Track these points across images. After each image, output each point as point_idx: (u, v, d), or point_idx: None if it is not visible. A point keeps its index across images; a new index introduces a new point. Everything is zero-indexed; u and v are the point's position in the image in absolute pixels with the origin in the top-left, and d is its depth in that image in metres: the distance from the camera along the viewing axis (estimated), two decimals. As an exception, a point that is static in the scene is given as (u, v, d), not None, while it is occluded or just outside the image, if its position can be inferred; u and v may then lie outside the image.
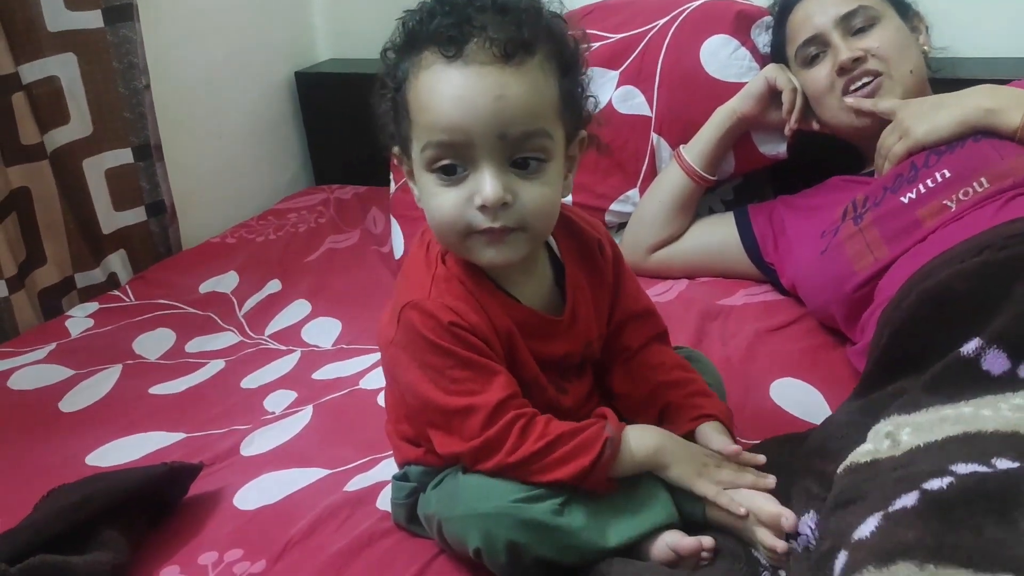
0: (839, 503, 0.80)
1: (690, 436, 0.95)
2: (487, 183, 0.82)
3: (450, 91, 0.81)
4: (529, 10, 0.84)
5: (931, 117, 1.25)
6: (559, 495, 0.86)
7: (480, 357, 0.87)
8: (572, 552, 0.86)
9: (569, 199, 1.56)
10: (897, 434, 0.84)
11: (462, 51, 0.80)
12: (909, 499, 0.70)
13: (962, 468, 0.73)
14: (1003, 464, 0.73)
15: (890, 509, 0.69)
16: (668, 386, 1.00)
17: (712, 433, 0.94)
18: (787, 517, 0.87)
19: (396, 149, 0.92)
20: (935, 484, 0.70)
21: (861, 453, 0.85)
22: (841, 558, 0.71)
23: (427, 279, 0.90)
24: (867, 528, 0.70)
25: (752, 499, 0.89)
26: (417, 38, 0.84)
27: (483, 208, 0.82)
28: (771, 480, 0.90)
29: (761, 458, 0.93)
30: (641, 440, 0.90)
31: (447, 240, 0.88)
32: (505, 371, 0.89)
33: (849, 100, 1.38)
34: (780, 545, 0.86)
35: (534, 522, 0.84)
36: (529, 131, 0.82)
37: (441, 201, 0.84)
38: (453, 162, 0.83)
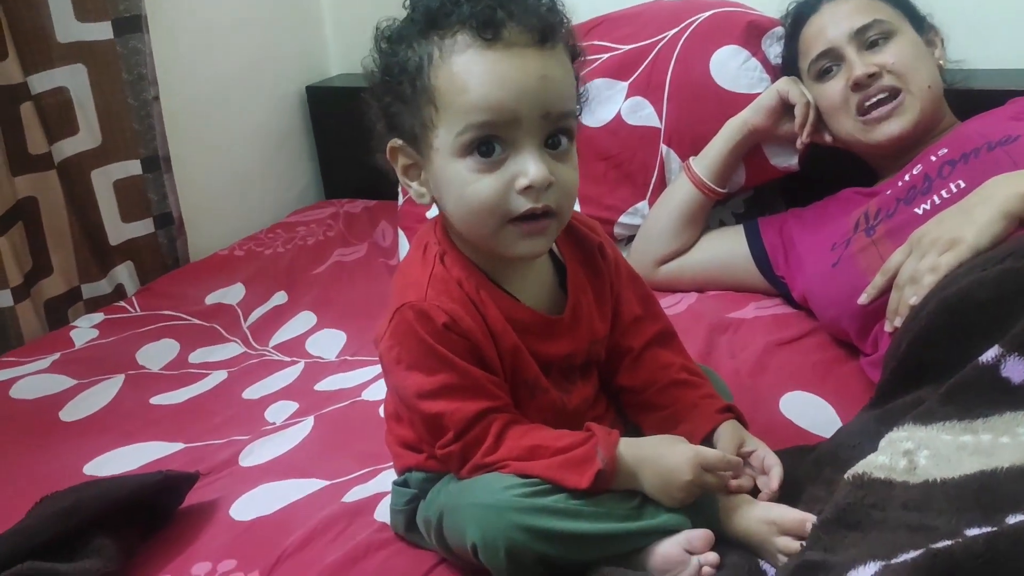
0: (842, 521, 0.77)
1: (709, 435, 0.95)
2: (532, 164, 0.82)
3: (496, 71, 0.81)
4: None
5: (969, 221, 1.07)
6: (565, 492, 0.84)
7: (469, 365, 0.87)
8: (574, 548, 0.84)
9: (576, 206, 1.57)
10: (915, 455, 0.82)
11: (499, 34, 0.81)
12: (914, 553, 0.67)
13: (974, 531, 0.70)
14: (1014, 519, 0.70)
15: (893, 561, 0.66)
16: (677, 385, 0.99)
17: (727, 435, 0.94)
18: (811, 521, 0.84)
19: (397, 141, 0.89)
20: (943, 544, 0.67)
21: (875, 466, 0.82)
22: None
23: (424, 280, 0.89)
24: (866, 572, 0.67)
25: (772, 508, 0.88)
26: (439, 22, 0.83)
27: (527, 190, 0.82)
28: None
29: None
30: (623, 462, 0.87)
31: (480, 230, 0.86)
32: (496, 379, 0.89)
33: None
34: None
35: (537, 515, 0.82)
36: (566, 111, 0.85)
37: (479, 187, 0.83)
38: (494, 143, 0.83)
